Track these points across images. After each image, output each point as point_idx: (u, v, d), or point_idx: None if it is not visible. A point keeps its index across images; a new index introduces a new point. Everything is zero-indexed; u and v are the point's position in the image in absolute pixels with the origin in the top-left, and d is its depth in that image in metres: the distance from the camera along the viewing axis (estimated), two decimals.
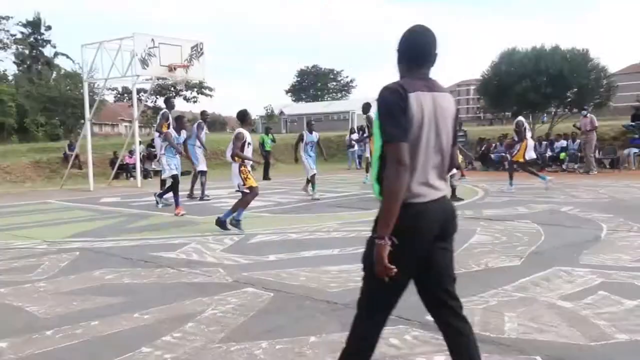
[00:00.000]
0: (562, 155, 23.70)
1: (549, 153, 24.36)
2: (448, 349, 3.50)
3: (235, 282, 6.54)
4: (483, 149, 25.17)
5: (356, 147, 27.62)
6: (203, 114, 16.91)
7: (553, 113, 29.57)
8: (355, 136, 28.01)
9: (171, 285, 6.58)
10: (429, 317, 5.05)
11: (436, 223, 3.25)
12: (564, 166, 23.45)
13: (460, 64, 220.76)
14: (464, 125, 30.60)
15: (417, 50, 3.33)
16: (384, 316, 3.49)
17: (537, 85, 26.51)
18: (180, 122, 13.12)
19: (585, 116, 22.07)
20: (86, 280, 6.93)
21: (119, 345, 4.70)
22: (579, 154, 23.05)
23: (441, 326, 3.53)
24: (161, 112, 14.99)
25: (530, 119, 29.03)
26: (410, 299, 5.63)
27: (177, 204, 12.26)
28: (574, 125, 24.01)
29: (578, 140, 23.29)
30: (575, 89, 27.45)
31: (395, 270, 3.11)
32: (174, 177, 12.29)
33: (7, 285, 6.78)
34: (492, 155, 25.09)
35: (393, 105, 3.11)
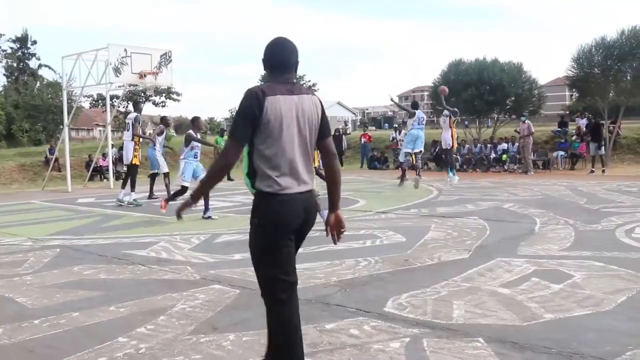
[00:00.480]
0: (504, 156, 24.21)
1: (492, 155, 24.77)
2: None
3: (203, 279, 6.49)
4: (437, 150, 25.38)
5: None
6: (163, 119, 16.81)
7: (495, 118, 30.01)
8: None
9: (143, 281, 6.53)
10: (387, 309, 5.17)
11: (300, 212, 3.44)
12: (505, 167, 23.92)
13: (415, 71, 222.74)
14: None
15: (277, 58, 3.53)
16: (287, 301, 3.54)
17: (481, 93, 26.95)
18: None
19: (523, 122, 22.80)
20: (67, 275, 6.93)
21: (98, 335, 4.73)
22: (518, 155, 23.53)
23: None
24: (134, 117, 14.77)
25: (477, 123, 29.50)
26: (369, 293, 5.73)
27: (166, 200, 12.21)
28: (515, 130, 24.65)
29: (517, 144, 23.74)
30: (513, 98, 28.04)
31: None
32: (183, 187, 11.63)
33: None
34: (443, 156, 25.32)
35: (244, 109, 3.35)
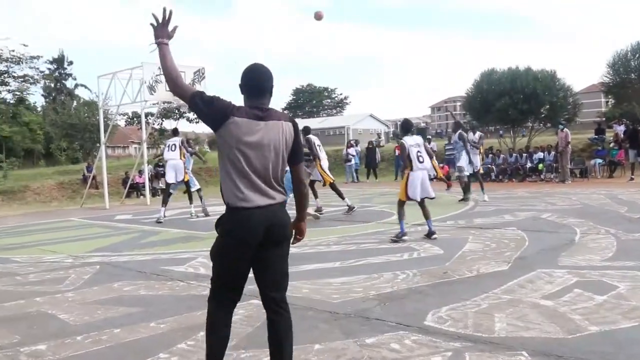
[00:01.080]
0: (540, 166, 23.83)
1: (528, 164, 24.43)
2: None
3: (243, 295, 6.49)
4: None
5: (353, 162, 27.44)
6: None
7: (530, 127, 29.70)
8: (352, 150, 27.83)
9: (182, 297, 6.57)
10: (427, 322, 5.11)
11: (260, 225, 3.60)
12: (542, 176, 23.53)
13: (447, 82, 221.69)
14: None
15: (251, 84, 3.75)
16: (226, 298, 3.83)
17: (515, 102, 26.72)
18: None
19: (562, 130, 22.31)
20: (107, 291, 7.04)
21: (139, 351, 4.79)
22: (555, 164, 23.15)
23: (267, 314, 3.96)
24: (180, 140, 14.86)
25: (512, 132, 29.24)
26: (408, 306, 5.67)
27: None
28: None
29: (553, 152, 23.42)
30: (548, 106, 27.68)
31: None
32: None
33: (42, 295, 7.05)
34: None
35: (219, 103, 3.62)
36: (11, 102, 46.66)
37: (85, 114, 41.16)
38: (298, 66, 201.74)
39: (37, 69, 48.69)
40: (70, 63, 55.81)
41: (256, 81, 3.76)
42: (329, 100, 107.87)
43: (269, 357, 4.45)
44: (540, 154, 24.36)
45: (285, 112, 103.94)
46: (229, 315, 3.88)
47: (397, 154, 28.59)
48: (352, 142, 30.79)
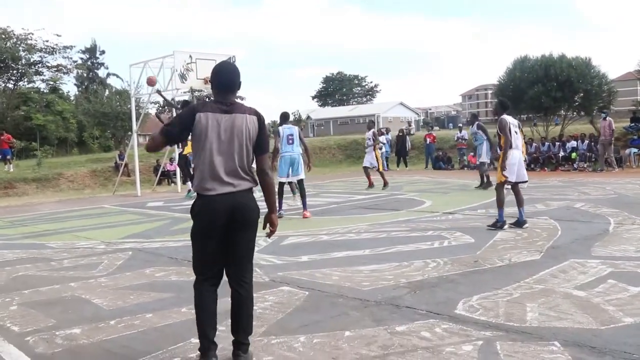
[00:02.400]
0: (574, 155, 23.52)
1: (561, 153, 24.12)
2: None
3: (272, 282, 6.54)
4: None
5: (384, 149, 27.29)
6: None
7: (563, 116, 29.25)
8: (383, 138, 27.68)
9: None
10: (458, 311, 5.09)
11: (222, 211, 3.95)
12: (575, 165, 23.22)
13: (478, 69, 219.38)
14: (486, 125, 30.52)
15: (219, 81, 4.11)
16: (205, 276, 4.16)
17: (548, 90, 26.26)
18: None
19: (604, 119, 22.05)
20: (139, 277, 7.12)
21: (171, 336, 4.84)
22: (588, 153, 22.85)
23: (231, 287, 4.24)
24: None
25: (544, 121, 28.85)
26: (438, 295, 5.65)
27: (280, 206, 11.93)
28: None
29: (586, 141, 23.10)
30: (582, 94, 27.17)
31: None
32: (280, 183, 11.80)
33: (76, 280, 7.16)
34: None
35: (182, 115, 4.09)
36: (45, 91, 47.39)
37: (117, 102, 41.56)
38: (329, 55, 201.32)
39: (70, 58, 49.38)
40: (103, 52, 56.57)
41: (223, 78, 4.12)
42: (359, 89, 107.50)
43: (300, 343, 4.51)
44: (573, 143, 24.02)
45: (315, 100, 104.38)
46: (213, 293, 4.18)
47: (427, 142, 28.45)
48: (382, 130, 30.54)
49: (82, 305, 6.03)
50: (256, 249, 8.24)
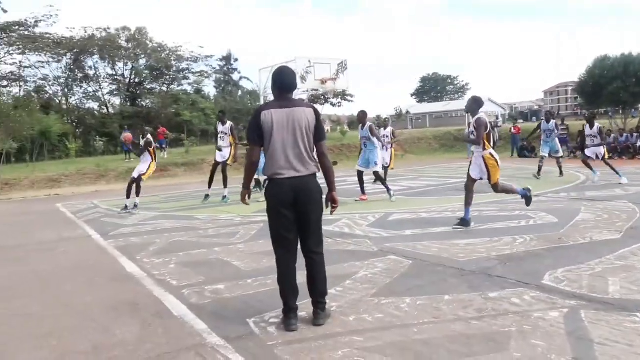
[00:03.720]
0: None
1: (638, 143, 22.57)
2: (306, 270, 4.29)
3: (380, 251, 6.54)
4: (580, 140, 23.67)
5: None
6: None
7: None
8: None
9: (331, 251, 6.56)
10: (544, 282, 4.91)
11: (290, 192, 4.07)
12: None
13: (559, 67, 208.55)
14: (566, 120, 29.10)
15: (279, 83, 4.21)
16: (284, 249, 4.23)
17: (627, 86, 24.73)
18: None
19: None
20: (270, 244, 7.04)
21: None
22: None
23: (305, 256, 4.30)
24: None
25: (622, 114, 27.17)
26: (526, 267, 5.47)
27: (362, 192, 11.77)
28: None
29: None
30: None
31: (249, 203, 4.51)
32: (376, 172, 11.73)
33: (219, 246, 7.48)
34: None
35: (252, 121, 4.16)
36: (191, 92, 49.26)
37: (248, 101, 42.66)
38: (426, 57, 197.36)
39: (211, 65, 51.15)
40: (236, 60, 57.87)
41: (281, 81, 4.21)
42: (451, 87, 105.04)
43: (405, 304, 4.50)
44: None
45: (413, 97, 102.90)
46: (292, 266, 4.22)
47: (512, 133, 27.45)
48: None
49: (225, 266, 6.28)
50: (366, 223, 8.46)
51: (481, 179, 8.07)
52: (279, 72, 4.28)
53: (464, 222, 7.82)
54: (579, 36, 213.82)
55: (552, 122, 15.94)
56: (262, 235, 7.95)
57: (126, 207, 11.81)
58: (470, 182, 8.02)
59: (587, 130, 13.66)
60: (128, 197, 11.93)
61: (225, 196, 13.01)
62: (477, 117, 8.00)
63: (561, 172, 15.24)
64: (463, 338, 3.72)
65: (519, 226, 7.72)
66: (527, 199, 8.24)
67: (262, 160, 5.00)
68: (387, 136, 15.26)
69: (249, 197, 4.48)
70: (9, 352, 4.02)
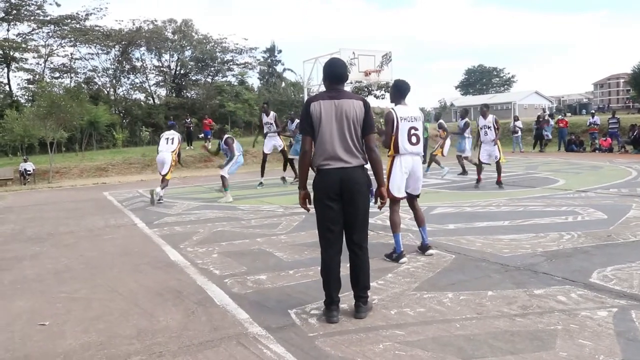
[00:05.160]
0: None
1: None
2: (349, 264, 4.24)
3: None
4: (635, 134, 22.77)
5: (519, 133, 26.01)
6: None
7: None
8: (519, 123, 26.34)
9: (373, 244, 6.48)
10: (592, 280, 4.78)
11: (336, 182, 4.03)
12: None
13: (610, 59, 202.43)
14: (617, 113, 28.10)
15: (329, 74, 4.23)
16: (328, 241, 4.12)
17: None
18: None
19: None
20: (312, 236, 7.18)
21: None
22: None
23: (348, 249, 4.21)
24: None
25: None
26: (573, 264, 5.33)
27: None
28: None
29: None
30: None
31: (310, 208, 4.23)
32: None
33: (262, 237, 7.52)
34: None
35: (303, 112, 4.16)
36: (235, 84, 49.77)
37: (292, 92, 42.76)
38: (471, 49, 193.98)
39: (255, 57, 51.64)
40: (280, 52, 58.14)
41: (332, 72, 4.21)
42: (497, 79, 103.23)
43: (448, 299, 4.44)
44: None
45: (457, 90, 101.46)
46: (336, 259, 4.14)
47: (560, 126, 26.75)
48: (516, 116, 29.08)
49: (267, 256, 6.32)
50: (409, 216, 8.31)
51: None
52: (329, 64, 4.28)
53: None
54: (634, 26, 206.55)
55: (466, 119, 15.83)
56: (304, 226, 7.98)
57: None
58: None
59: (481, 122, 12.26)
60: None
61: (285, 178, 14.68)
62: (387, 111, 6.16)
63: (464, 171, 15.12)
64: (507, 335, 3.65)
65: (566, 222, 7.52)
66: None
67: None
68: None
69: (310, 202, 4.25)
70: (58, 333, 4.14)
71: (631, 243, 6.18)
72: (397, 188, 5.91)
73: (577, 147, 25.11)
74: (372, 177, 4.26)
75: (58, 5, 45.30)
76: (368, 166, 4.22)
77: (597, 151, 23.83)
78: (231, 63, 50.07)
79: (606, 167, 15.64)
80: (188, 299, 4.83)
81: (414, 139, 5.84)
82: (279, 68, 57.44)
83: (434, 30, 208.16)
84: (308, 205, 4.26)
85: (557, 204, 9.05)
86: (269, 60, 57.14)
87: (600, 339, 3.51)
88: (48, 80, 38.32)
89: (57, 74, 43.27)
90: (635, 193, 10.18)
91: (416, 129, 5.86)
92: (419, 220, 6.14)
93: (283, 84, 51.53)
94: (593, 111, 31.98)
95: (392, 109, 5.94)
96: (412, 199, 6.14)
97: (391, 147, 5.86)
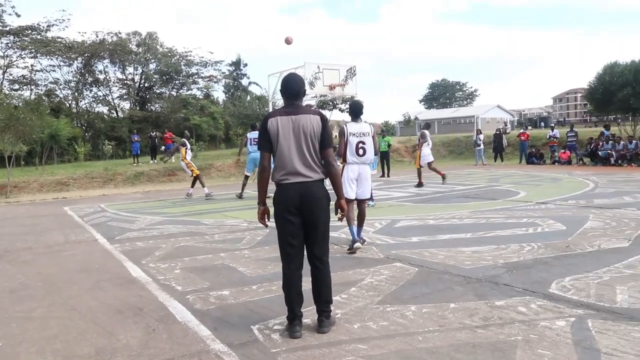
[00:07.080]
0: None
1: None
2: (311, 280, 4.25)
3: (386, 258, 6.50)
4: (592, 146, 23.48)
5: (482, 146, 26.50)
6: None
7: None
8: (481, 137, 26.86)
9: (337, 258, 6.56)
10: (551, 290, 4.87)
11: (296, 197, 4.04)
12: None
13: (568, 74, 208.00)
14: (575, 127, 28.85)
15: (286, 90, 4.25)
16: (289, 255, 4.14)
17: (637, 92, 24.57)
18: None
19: None
20: (275, 250, 7.07)
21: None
22: None
23: (310, 263, 4.22)
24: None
25: (632, 121, 27.03)
26: (533, 275, 5.42)
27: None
28: None
29: None
30: None
31: (268, 224, 4.34)
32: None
33: (225, 252, 7.43)
34: (600, 152, 23.34)
35: (260, 129, 4.20)
36: (200, 97, 49.46)
37: (257, 106, 42.69)
38: (434, 64, 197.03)
39: (220, 70, 51.35)
40: (245, 65, 58.03)
41: (288, 87, 4.23)
42: (460, 93, 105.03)
43: (411, 312, 4.46)
44: None
45: (421, 103, 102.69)
46: (297, 273, 4.16)
47: (521, 139, 27.33)
48: (479, 130, 29.63)
49: (230, 271, 6.25)
50: (372, 230, 8.41)
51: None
52: (286, 80, 4.29)
53: None
54: (590, 43, 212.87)
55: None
56: (267, 241, 7.93)
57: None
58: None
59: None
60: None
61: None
62: (341, 127, 7.13)
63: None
64: (468, 347, 3.68)
65: (526, 233, 7.66)
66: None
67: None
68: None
69: (269, 218, 4.33)
70: (13, 354, 4.01)
71: (588, 253, 6.31)
72: (346, 192, 6.82)
73: (537, 159, 25.67)
74: (331, 191, 4.26)
75: (18, 15, 44.16)
76: (327, 182, 4.23)
77: (556, 163, 24.40)
78: (196, 76, 49.73)
79: (565, 179, 16.02)
80: (149, 316, 4.74)
81: (360, 152, 7.04)
82: (244, 81, 57.39)
83: (399, 44, 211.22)
84: (266, 221, 4.31)
85: (518, 216, 9.21)
86: (234, 74, 57.02)
87: (558, 348, 3.57)
88: (7, 92, 37.42)
89: (17, 86, 42.29)
90: (592, 204, 10.44)
91: (364, 143, 7.04)
92: (359, 219, 7.20)
93: (248, 98, 51.48)
94: (552, 125, 32.78)
95: (345, 125, 7.08)
96: (360, 202, 7.24)
97: (342, 158, 6.98)
